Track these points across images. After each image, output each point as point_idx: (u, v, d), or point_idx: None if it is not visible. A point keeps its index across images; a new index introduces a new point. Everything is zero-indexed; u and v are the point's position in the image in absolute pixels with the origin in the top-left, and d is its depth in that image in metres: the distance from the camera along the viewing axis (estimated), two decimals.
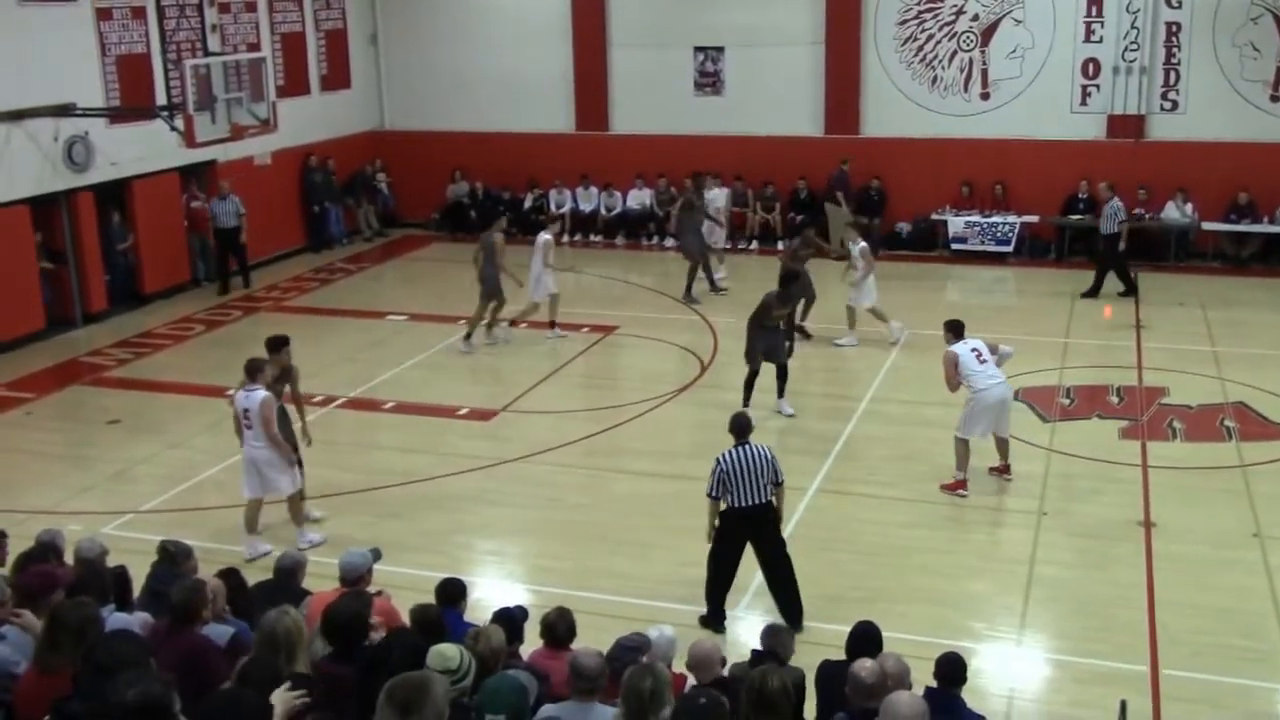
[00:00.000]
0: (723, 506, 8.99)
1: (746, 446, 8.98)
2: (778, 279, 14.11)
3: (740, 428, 9.15)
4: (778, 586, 9.15)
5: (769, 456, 8.97)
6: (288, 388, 11.08)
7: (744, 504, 8.88)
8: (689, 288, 18.43)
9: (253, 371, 10.42)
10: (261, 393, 10.31)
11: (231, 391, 10.87)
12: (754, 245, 21.86)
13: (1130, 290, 18.24)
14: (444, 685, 4.56)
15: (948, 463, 11.63)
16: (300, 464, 10.86)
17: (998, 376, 11.46)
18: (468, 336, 16.27)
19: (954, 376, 11.46)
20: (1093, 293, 18.29)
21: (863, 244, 16.08)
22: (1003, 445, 11.76)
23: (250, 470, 10.47)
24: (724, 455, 8.94)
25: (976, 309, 17.03)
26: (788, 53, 21.97)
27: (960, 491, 11.44)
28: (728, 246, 20.24)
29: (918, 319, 16.48)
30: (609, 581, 9.86)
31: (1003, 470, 11.79)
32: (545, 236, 16.62)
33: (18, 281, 16.76)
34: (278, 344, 11.04)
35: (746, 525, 8.98)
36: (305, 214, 22.44)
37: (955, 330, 11.73)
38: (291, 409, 11.06)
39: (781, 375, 13.62)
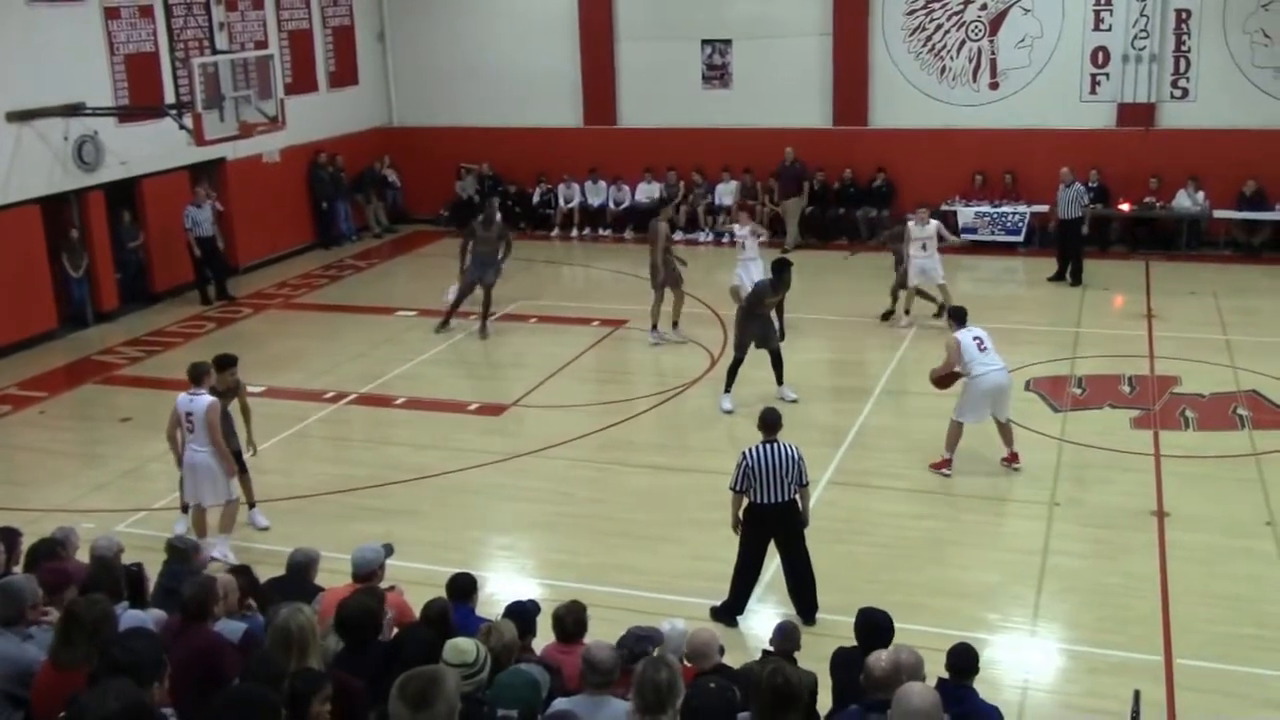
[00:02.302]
0: (745, 502, 8.95)
1: (774, 444, 8.92)
2: (770, 267, 14.05)
3: (769, 424, 9.07)
4: (794, 582, 9.15)
5: (796, 456, 8.91)
6: (235, 401, 11.08)
7: (767, 501, 8.85)
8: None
9: (197, 377, 10.42)
10: (206, 398, 10.31)
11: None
12: (763, 237, 21.72)
13: (1077, 281, 18.29)
14: (456, 679, 4.56)
15: (960, 455, 11.62)
16: (245, 470, 10.93)
17: (996, 364, 11.58)
18: (654, 327, 16.24)
19: (955, 361, 11.62)
20: (1058, 276, 18.59)
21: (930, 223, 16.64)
22: (1005, 431, 11.80)
23: (189, 475, 10.44)
24: (749, 450, 8.90)
25: (987, 299, 16.97)
26: (795, 44, 21.92)
27: (944, 470, 11.66)
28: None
29: (929, 308, 16.48)
30: (621, 575, 9.86)
31: (1010, 459, 11.80)
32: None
33: (29, 281, 16.83)
34: (226, 363, 11.02)
35: (770, 522, 8.95)
36: (314, 211, 22.47)
37: (958, 318, 11.99)
38: (238, 418, 11.09)
39: (777, 361, 13.70)
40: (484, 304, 16.72)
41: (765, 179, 22.04)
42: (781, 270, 13.75)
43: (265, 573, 7.87)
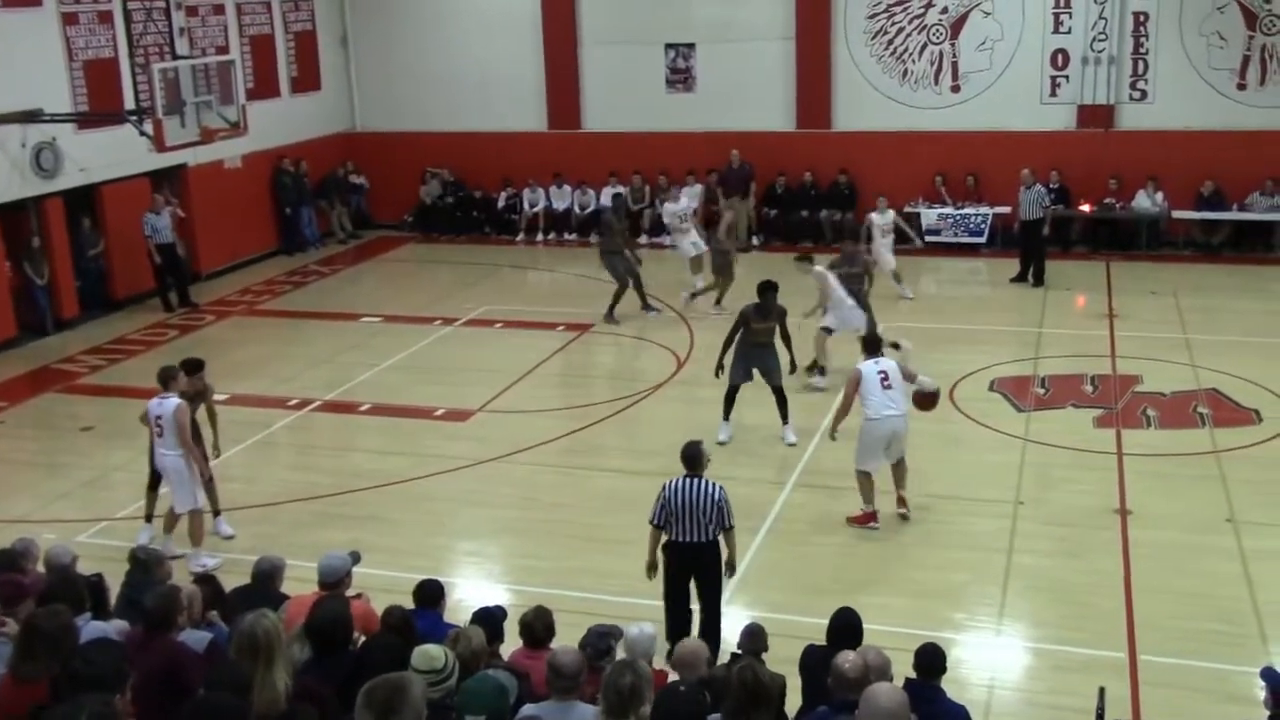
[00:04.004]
0: (664, 539, 8.41)
1: (695, 480, 8.30)
2: (756, 289, 12.57)
3: (690, 458, 8.41)
4: (703, 624, 8.48)
5: (717, 498, 8.21)
6: (202, 406, 11.07)
7: (683, 539, 8.28)
8: (611, 309, 17.31)
9: (165, 380, 10.45)
10: (174, 400, 10.32)
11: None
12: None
13: (1039, 282, 18.46)
14: (421, 686, 4.54)
15: (925, 455, 11.65)
16: (212, 480, 10.90)
17: (896, 407, 10.52)
18: (718, 301, 17.11)
19: (852, 395, 10.64)
20: (1021, 277, 18.72)
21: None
22: (900, 472, 10.81)
23: (173, 478, 10.44)
24: (669, 483, 8.35)
25: (951, 300, 17.10)
26: (759, 48, 21.99)
27: (871, 524, 10.64)
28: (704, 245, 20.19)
29: (892, 311, 16.56)
30: (589, 580, 9.85)
31: (899, 502, 10.80)
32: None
33: None
34: (194, 367, 11.03)
35: (686, 561, 8.35)
36: (277, 217, 22.32)
37: (868, 347, 11.06)
38: (204, 423, 11.08)
39: (780, 400, 12.60)
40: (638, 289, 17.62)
41: (708, 181, 21.96)
42: (762, 293, 12.38)
43: (230, 582, 7.80)
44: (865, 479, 10.72)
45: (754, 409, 12.93)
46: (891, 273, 17.64)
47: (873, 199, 18.57)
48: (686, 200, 19.20)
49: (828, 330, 14.42)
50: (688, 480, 8.33)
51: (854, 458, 10.78)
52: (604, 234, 17.72)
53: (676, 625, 8.32)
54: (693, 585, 8.48)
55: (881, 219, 17.82)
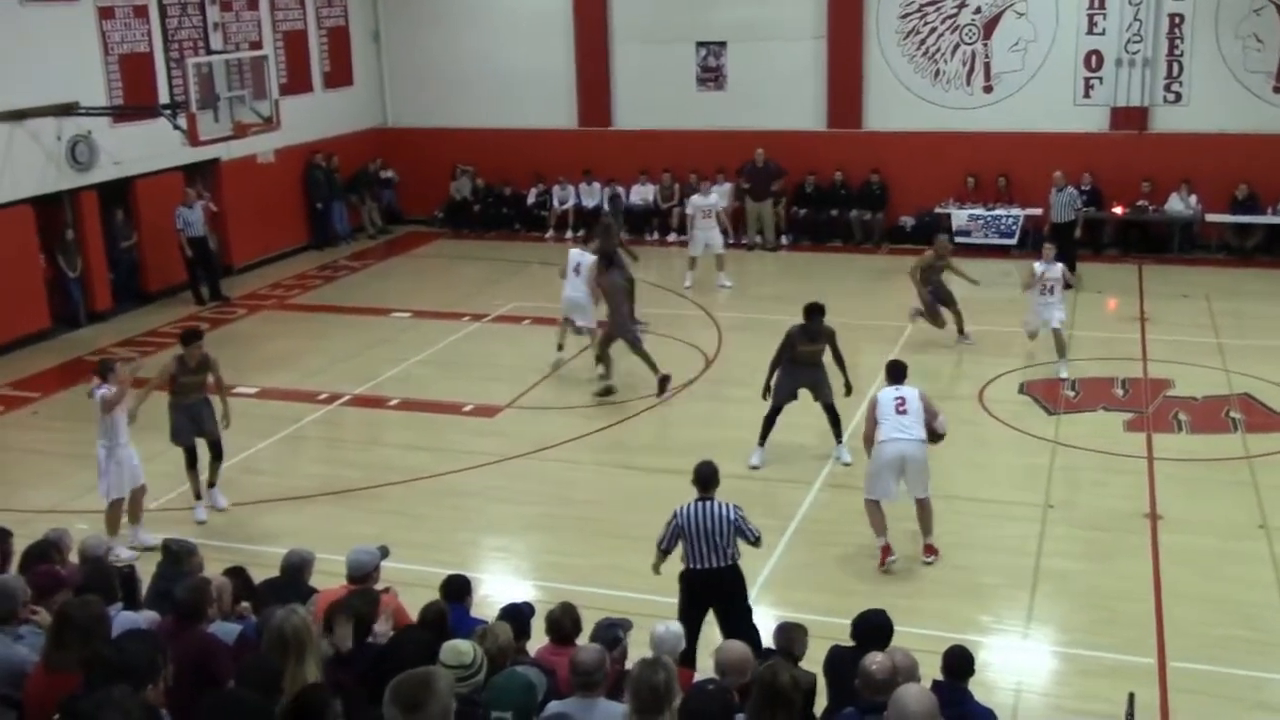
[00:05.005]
0: (682, 566, 8.17)
1: (708, 503, 8.07)
2: (803, 311, 11.94)
3: (703, 479, 8.22)
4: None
5: (732, 518, 8.00)
6: (210, 378, 11.44)
7: (699, 566, 8.02)
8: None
9: (104, 372, 10.73)
10: (104, 389, 10.59)
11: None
12: (759, 240, 21.77)
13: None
14: (448, 680, 4.56)
15: (955, 457, 11.59)
16: (220, 457, 11.40)
17: (907, 432, 9.94)
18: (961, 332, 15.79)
19: (872, 421, 10.13)
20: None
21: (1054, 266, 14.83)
22: (923, 513, 10.14)
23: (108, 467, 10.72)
24: (680, 509, 8.12)
25: (980, 302, 16.98)
26: (790, 47, 21.93)
27: (889, 559, 9.95)
28: (731, 243, 20.20)
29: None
30: (616, 577, 9.82)
31: (926, 551, 10.14)
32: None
33: (22, 280, 16.79)
34: (191, 337, 11.36)
35: (700, 588, 8.05)
36: (309, 211, 22.44)
37: (891, 374, 10.42)
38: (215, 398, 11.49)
39: (832, 417, 12.09)
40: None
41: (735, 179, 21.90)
42: (809, 315, 11.85)
43: (259, 574, 7.85)
44: (874, 509, 10.02)
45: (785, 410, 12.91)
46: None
47: (904, 199, 18.49)
48: (716, 197, 19.22)
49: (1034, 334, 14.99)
50: (699, 504, 8.09)
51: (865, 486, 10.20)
52: (602, 235, 15.71)
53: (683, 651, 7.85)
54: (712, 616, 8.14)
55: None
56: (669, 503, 11.09)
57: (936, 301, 15.61)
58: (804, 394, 12.10)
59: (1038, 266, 14.73)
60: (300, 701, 4.74)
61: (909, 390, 10.20)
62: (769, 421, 12.03)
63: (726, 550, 8.02)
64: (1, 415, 14.41)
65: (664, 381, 14.12)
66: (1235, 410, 13.34)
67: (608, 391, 14.17)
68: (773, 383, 12.01)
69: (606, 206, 22.10)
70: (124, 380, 10.67)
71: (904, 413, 9.99)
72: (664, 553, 8.26)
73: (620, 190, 22.59)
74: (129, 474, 10.69)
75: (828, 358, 12.09)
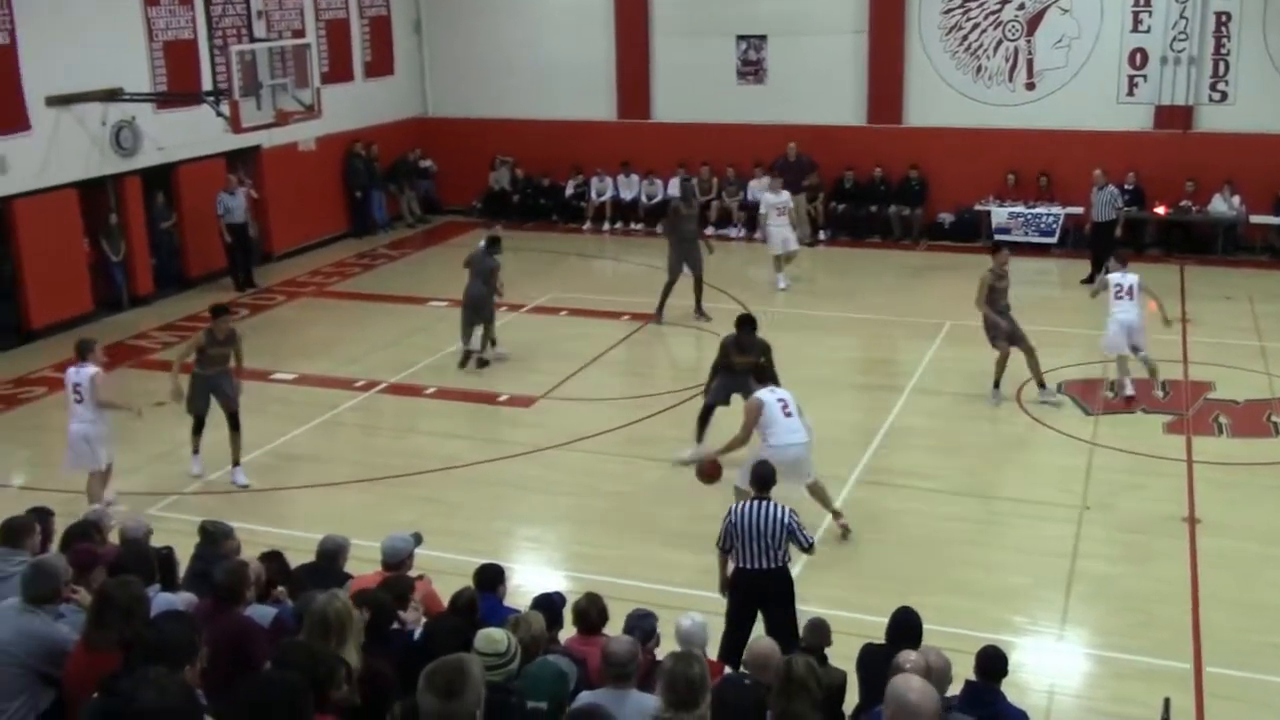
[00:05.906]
0: (731, 565, 8.16)
1: (764, 503, 8.02)
2: (734, 322, 12.01)
3: (761, 479, 8.27)
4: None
5: (786, 522, 7.94)
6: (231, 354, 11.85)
7: (747, 566, 7.98)
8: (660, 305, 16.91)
9: (83, 351, 11.08)
10: (91, 369, 10.95)
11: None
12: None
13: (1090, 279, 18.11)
14: (480, 667, 4.57)
15: (991, 457, 11.54)
16: (237, 429, 11.79)
17: (798, 435, 10.07)
18: (1041, 385, 13.69)
19: (752, 425, 10.12)
20: (1092, 279, 18.11)
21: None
22: (818, 494, 10.38)
23: (79, 444, 11.00)
24: (734, 508, 8.14)
25: (1019, 300, 16.85)
26: (830, 41, 21.84)
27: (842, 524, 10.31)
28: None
29: (961, 310, 16.36)
30: (646, 569, 9.87)
31: (836, 519, 10.41)
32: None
33: (66, 264, 16.99)
34: (219, 310, 11.87)
35: (749, 589, 8.02)
36: (348, 200, 22.57)
37: (761, 376, 10.68)
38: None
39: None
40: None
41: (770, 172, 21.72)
42: (739, 326, 11.82)
43: (295, 559, 7.91)
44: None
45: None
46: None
47: (943, 195, 18.35)
48: (787, 195, 18.97)
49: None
50: (754, 504, 8.05)
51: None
52: (675, 221, 16.78)
53: (729, 649, 7.88)
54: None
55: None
56: (699, 498, 11.17)
57: (1013, 332, 13.58)
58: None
59: (1112, 278, 13.87)
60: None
61: (786, 394, 10.29)
62: (703, 420, 12.02)
63: (777, 553, 7.96)
64: (45, 397, 14.56)
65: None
66: (1277, 414, 13.18)
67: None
68: (712, 385, 11.99)
69: (678, 192, 21.58)
70: (102, 360, 11.15)
71: (790, 415, 10.09)
72: (724, 552, 8.15)
73: (692, 179, 22.37)
74: (91, 453, 11.02)
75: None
